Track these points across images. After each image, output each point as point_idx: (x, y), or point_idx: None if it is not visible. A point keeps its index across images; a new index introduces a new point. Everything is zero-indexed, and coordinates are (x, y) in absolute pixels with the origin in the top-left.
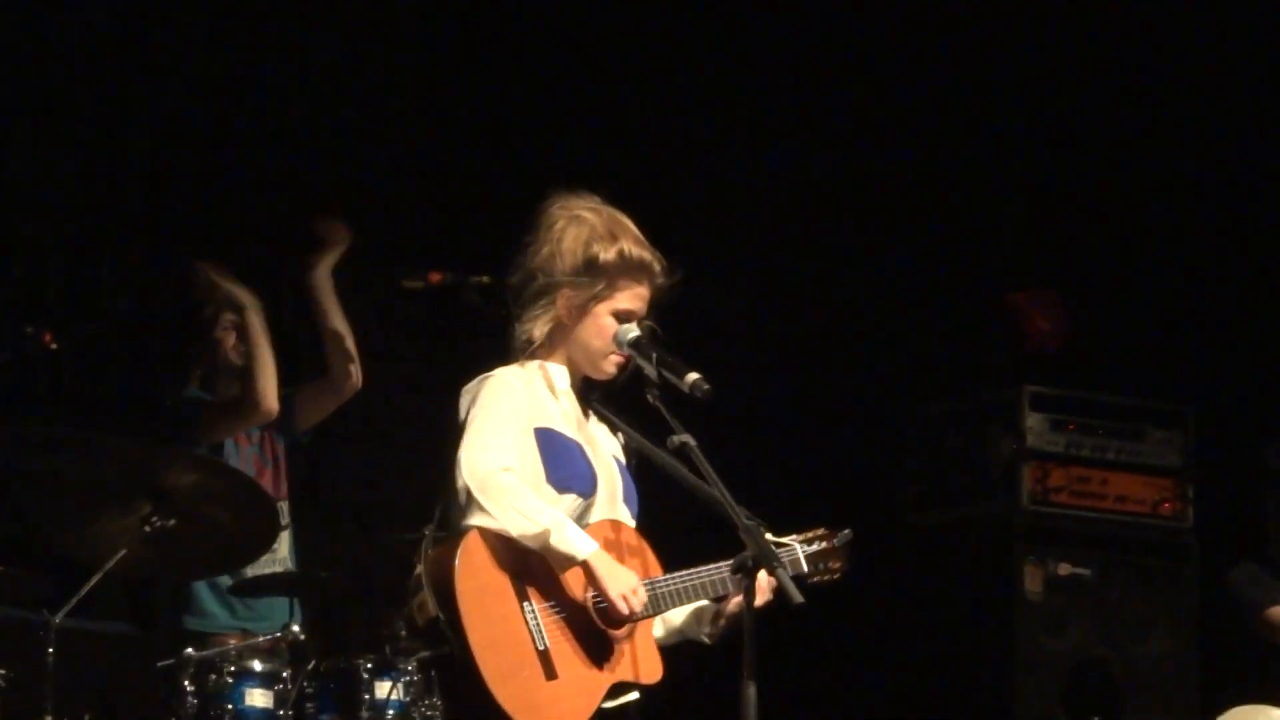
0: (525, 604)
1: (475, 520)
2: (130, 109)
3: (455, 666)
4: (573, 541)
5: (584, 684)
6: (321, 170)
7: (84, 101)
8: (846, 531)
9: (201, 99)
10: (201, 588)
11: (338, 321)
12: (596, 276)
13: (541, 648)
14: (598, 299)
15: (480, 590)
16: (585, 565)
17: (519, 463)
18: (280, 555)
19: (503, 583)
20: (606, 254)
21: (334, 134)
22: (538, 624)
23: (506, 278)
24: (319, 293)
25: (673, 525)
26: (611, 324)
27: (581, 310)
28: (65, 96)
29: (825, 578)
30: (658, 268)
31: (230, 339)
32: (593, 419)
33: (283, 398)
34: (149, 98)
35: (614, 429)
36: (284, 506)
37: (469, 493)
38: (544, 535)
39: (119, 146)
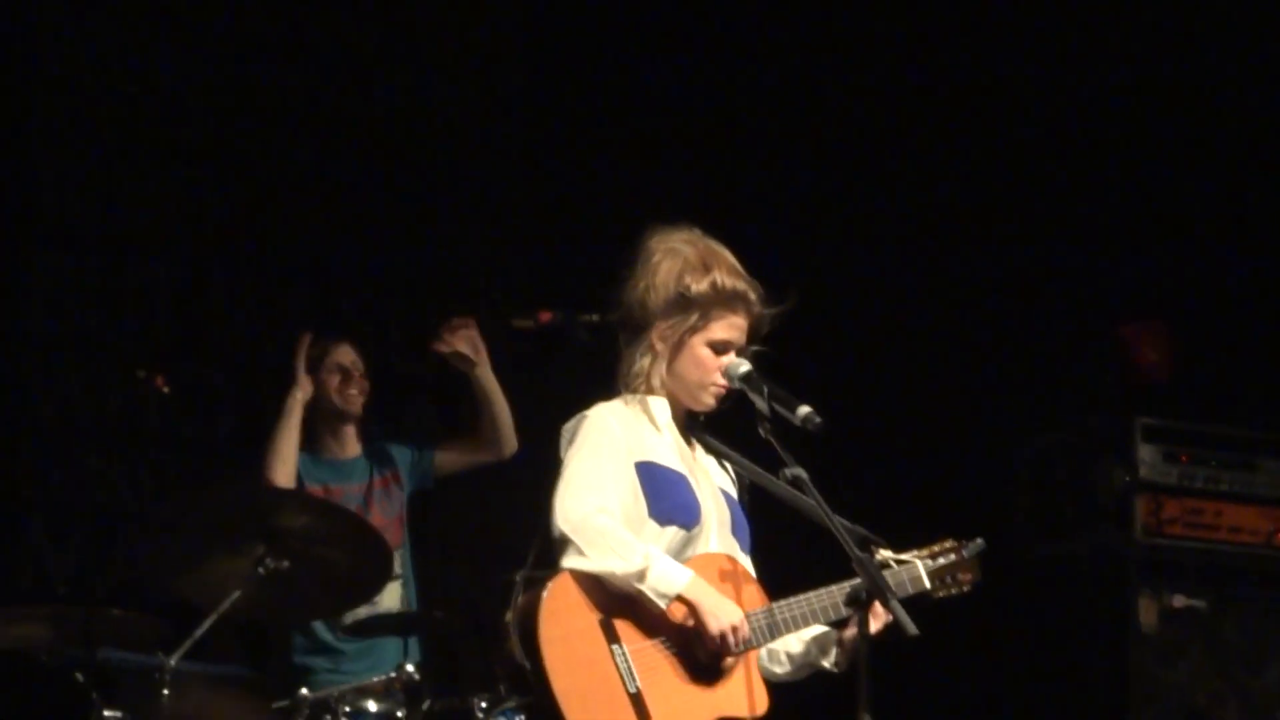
0: (615, 646)
1: (569, 563)
2: (240, 153)
3: (543, 714)
4: (669, 575)
5: None
6: (431, 211)
7: (194, 145)
8: (977, 542)
9: (312, 141)
10: (303, 646)
11: (501, 402)
12: (690, 309)
13: (633, 690)
14: (692, 330)
15: (566, 636)
16: (682, 598)
17: (617, 501)
18: (384, 607)
19: (591, 626)
20: (699, 285)
21: (445, 174)
22: (628, 666)
23: (610, 314)
24: (484, 387)
25: (790, 551)
26: (708, 355)
27: (677, 343)
28: (176, 140)
29: (954, 591)
30: (753, 296)
31: (334, 381)
32: (699, 451)
33: (428, 450)
34: (258, 141)
35: (723, 460)
36: (399, 555)
37: (563, 536)
38: (641, 573)
39: (230, 191)
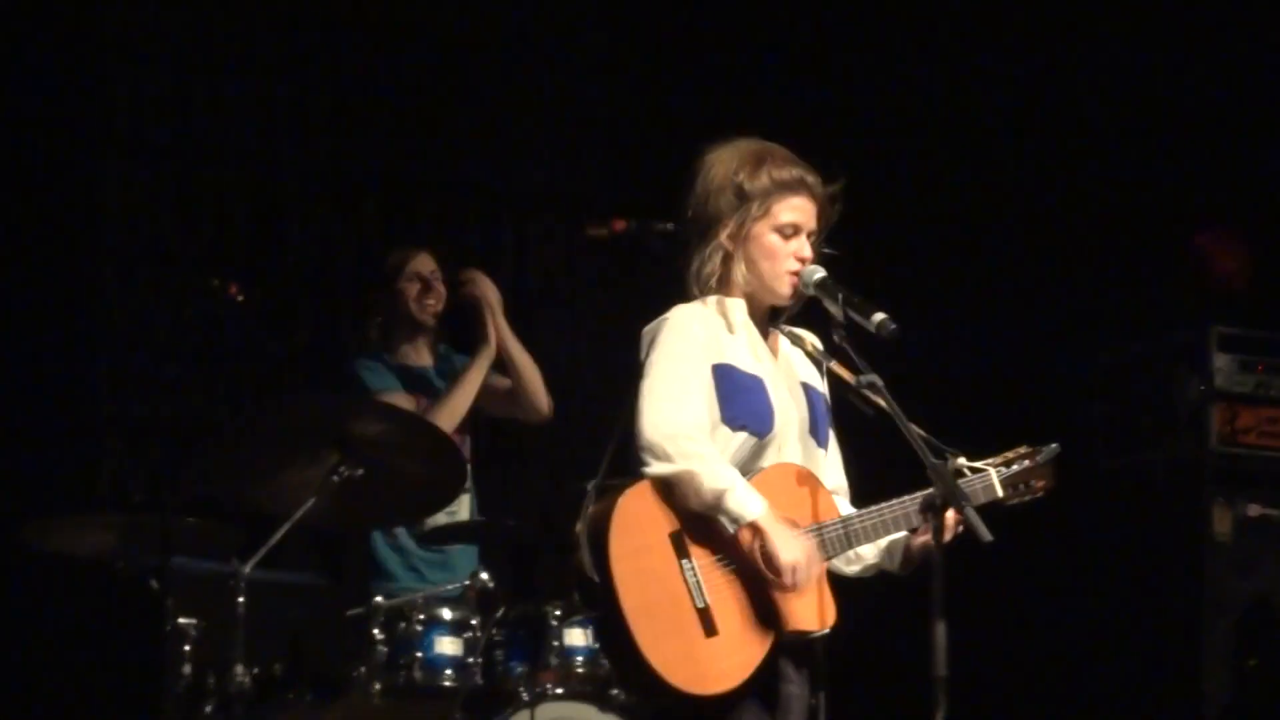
0: (684, 560)
1: (655, 469)
2: (316, 61)
3: (610, 628)
4: (746, 503)
5: (747, 639)
6: (506, 119)
7: (269, 55)
8: (1051, 447)
9: (388, 49)
10: (388, 555)
11: (526, 367)
12: (749, 200)
13: (701, 605)
14: (755, 220)
15: (635, 550)
16: (755, 526)
17: (700, 412)
18: (459, 518)
19: (661, 541)
20: (755, 178)
21: (520, 82)
22: (697, 581)
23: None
24: (503, 344)
25: (867, 459)
26: (777, 242)
27: (744, 236)
28: (250, 49)
29: (1028, 497)
30: (811, 179)
31: (413, 290)
32: (782, 349)
33: None
34: (334, 49)
35: (817, 357)
36: (467, 470)
37: (651, 444)
38: (720, 494)
39: (304, 100)
